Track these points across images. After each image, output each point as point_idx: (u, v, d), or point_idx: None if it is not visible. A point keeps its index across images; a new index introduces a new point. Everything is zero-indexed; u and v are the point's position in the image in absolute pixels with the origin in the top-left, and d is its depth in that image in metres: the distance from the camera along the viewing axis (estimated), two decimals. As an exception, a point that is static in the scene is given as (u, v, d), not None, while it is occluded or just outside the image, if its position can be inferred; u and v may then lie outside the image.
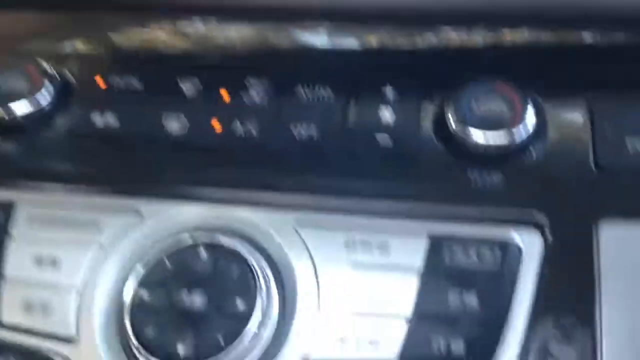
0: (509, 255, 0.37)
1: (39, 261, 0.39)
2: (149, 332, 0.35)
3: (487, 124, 0.39)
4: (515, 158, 0.39)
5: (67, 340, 0.37)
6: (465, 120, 0.39)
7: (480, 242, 0.37)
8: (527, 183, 0.38)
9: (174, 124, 0.42)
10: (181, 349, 0.35)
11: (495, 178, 0.39)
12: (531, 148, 0.39)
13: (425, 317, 0.35)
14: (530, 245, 0.37)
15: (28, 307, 0.38)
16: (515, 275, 0.36)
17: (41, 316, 0.37)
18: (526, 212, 0.38)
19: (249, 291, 0.36)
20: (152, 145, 0.42)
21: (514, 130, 0.38)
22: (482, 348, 0.35)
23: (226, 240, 0.38)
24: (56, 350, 0.37)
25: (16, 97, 0.42)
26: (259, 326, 0.35)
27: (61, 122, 0.43)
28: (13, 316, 0.38)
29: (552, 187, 0.38)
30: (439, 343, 0.35)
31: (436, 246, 0.37)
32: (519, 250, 0.37)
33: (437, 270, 0.36)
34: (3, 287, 0.38)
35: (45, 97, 0.43)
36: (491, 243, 0.37)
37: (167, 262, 0.37)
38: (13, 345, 0.37)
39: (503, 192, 0.38)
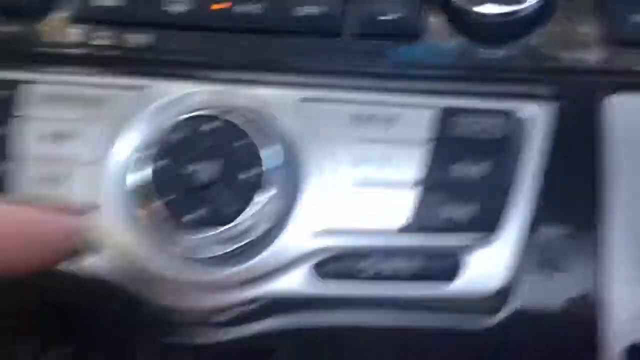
0: (515, 125, 0.37)
1: (55, 138, 0.39)
2: (160, 203, 0.36)
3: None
4: (522, 31, 0.39)
5: (81, 211, 0.37)
6: (471, -3, 0.38)
7: (487, 112, 0.37)
8: (534, 56, 0.38)
9: (175, 5, 0.41)
10: (192, 218, 0.35)
11: (501, 52, 0.38)
12: (538, 21, 0.39)
13: (432, 186, 0.36)
14: (536, 116, 0.37)
15: (48, 181, 0.38)
16: (521, 145, 0.36)
17: (62, 189, 0.38)
18: (533, 85, 0.38)
19: (256, 164, 0.36)
20: (154, 25, 0.41)
21: (521, 2, 0.38)
22: (488, 216, 0.35)
23: (232, 116, 0.38)
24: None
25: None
26: (265, 198, 0.36)
27: (64, 4, 0.42)
28: (35, 190, 0.38)
29: (559, 60, 0.38)
30: (445, 211, 0.35)
31: (443, 117, 0.37)
32: (525, 120, 0.37)
33: (444, 141, 0.37)
34: (22, 165, 0.39)
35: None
36: (497, 113, 0.37)
37: (175, 136, 0.37)
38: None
39: (509, 66, 0.38)
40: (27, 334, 0.37)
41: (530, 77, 0.38)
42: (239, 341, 0.36)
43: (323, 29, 0.40)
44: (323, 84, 0.39)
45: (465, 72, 0.39)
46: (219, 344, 0.36)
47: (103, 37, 0.41)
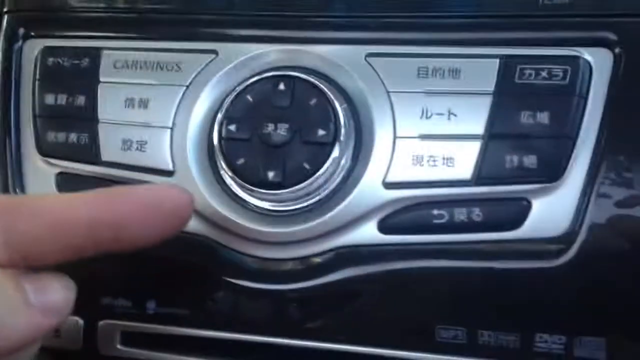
0: (580, 70, 0.37)
1: (130, 104, 0.41)
2: (239, 162, 0.38)
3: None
4: None
5: (164, 173, 0.40)
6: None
7: (552, 59, 0.37)
8: (595, 2, 0.38)
9: None
10: (270, 176, 0.38)
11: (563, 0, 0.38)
12: None
13: (497, 136, 0.37)
14: (601, 62, 0.37)
15: (125, 145, 0.41)
16: (586, 92, 0.37)
17: (138, 153, 0.40)
18: (597, 32, 0.38)
19: (328, 119, 0.38)
20: None
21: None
22: (554, 163, 0.36)
23: (302, 74, 0.39)
24: (154, 182, 0.40)
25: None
26: (340, 153, 0.38)
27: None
28: (111, 154, 0.41)
29: (623, 5, 0.38)
30: (512, 159, 0.37)
31: (507, 66, 0.38)
32: (589, 66, 0.37)
33: (508, 90, 0.37)
34: (99, 129, 0.41)
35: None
36: (562, 59, 0.37)
37: (249, 97, 0.39)
38: (115, 179, 0.41)
39: (573, 13, 0.38)
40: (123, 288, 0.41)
41: (595, 22, 0.38)
42: (318, 288, 0.38)
43: None
44: (387, 38, 0.40)
45: (527, 20, 0.39)
46: (298, 291, 0.39)
47: (173, 3, 0.43)
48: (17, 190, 0.43)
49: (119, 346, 0.41)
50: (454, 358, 0.37)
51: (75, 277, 0.36)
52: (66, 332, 0.41)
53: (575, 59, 0.37)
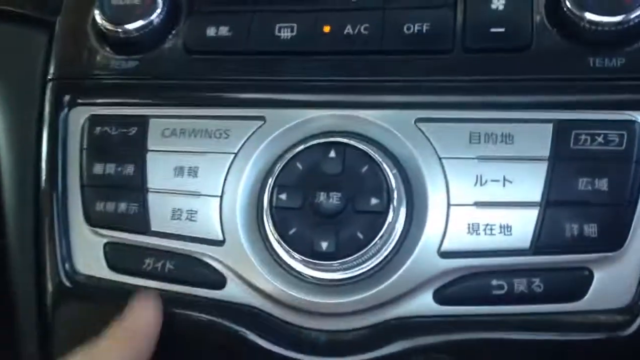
0: (636, 135, 0.37)
1: (179, 172, 0.41)
2: (291, 232, 0.38)
3: (602, 5, 0.37)
4: (634, 38, 0.38)
5: (214, 242, 0.40)
6: (581, 3, 0.38)
7: (606, 123, 0.37)
8: None
9: (286, 30, 0.42)
10: (323, 246, 0.37)
11: (615, 62, 0.38)
12: None
13: (555, 203, 0.36)
14: (657, 125, 0.37)
15: (174, 215, 0.40)
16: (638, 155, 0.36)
17: (188, 223, 0.40)
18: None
19: (380, 187, 0.38)
20: (268, 54, 0.42)
21: (631, 10, 0.37)
22: (615, 231, 0.36)
23: (352, 140, 0.39)
24: (204, 252, 0.40)
25: (132, 17, 0.43)
26: (393, 221, 0.37)
27: (177, 39, 0.44)
28: (161, 224, 0.41)
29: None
30: (571, 228, 0.36)
31: (562, 131, 0.37)
32: (642, 129, 0.37)
33: (565, 156, 0.37)
34: (149, 198, 0.41)
35: (158, 15, 0.43)
36: (617, 123, 0.37)
37: (299, 164, 0.39)
38: (165, 249, 0.40)
39: (625, 76, 0.38)
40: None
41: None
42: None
43: (434, 45, 0.40)
44: (437, 102, 0.40)
45: (579, 82, 0.38)
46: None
47: (219, 70, 0.43)
48: (66, 261, 0.42)
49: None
50: None
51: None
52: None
53: (630, 123, 0.37)
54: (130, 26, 0.43)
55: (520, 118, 0.38)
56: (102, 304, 0.42)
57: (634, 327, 0.35)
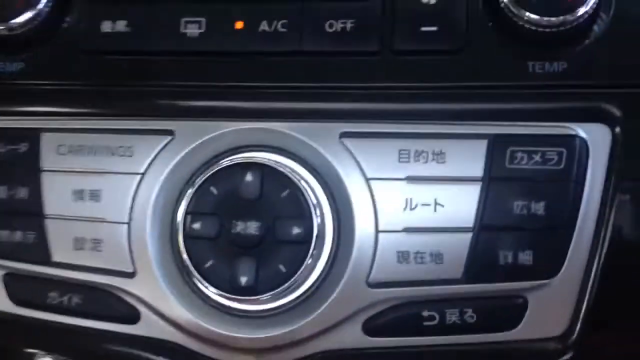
0: (575, 152, 0.34)
1: (80, 196, 0.37)
2: (207, 265, 0.35)
3: (543, 4, 0.34)
4: (576, 42, 0.35)
5: (124, 274, 0.36)
6: (520, 1, 0.34)
7: (544, 140, 0.35)
8: (592, 71, 0.35)
9: (193, 26, 0.37)
10: (243, 281, 0.35)
11: (556, 67, 0.35)
12: (595, 29, 0.35)
13: (489, 228, 0.34)
14: (598, 140, 0.34)
15: (77, 244, 0.37)
16: (583, 174, 0.34)
17: (93, 253, 0.37)
18: (594, 103, 0.35)
19: (302, 213, 0.35)
20: (173, 54, 0.38)
21: (574, 9, 0.34)
22: (550, 258, 0.34)
23: (270, 159, 0.36)
24: (114, 285, 0.37)
25: (16, 11, 0.37)
26: (317, 250, 0.35)
27: (68, 35, 0.38)
28: (63, 255, 0.37)
29: (621, 73, 0.35)
30: (505, 255, 0.34)
31: (497, 149, 0.35)
32: (586, 145, 0.34)
33: (499, 176, 0.35)
34: (48, 226, 0.37)
35: (46, 4, 0.38)
36: (555, 140, 0.34)
37: (212, 187, 0.35)
38: (69, 281, 0.37)
39: (566, 82, 0.35)
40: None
41: (591, 92, 0.35)
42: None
43: (359, 46, 0.36)
44: (363, 110, 0.36)
45: (517, 90, 0.35)
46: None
47: (118, 73, 0.38)
48: (-40, 294, 0.38)
49: None
50: None
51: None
52: None
53: (571, 138, 0.34)
54: (15, 21, 0.38)
55: (452, 133, 0.35)
56: (7, 340, 0.38)
57: (567, 355, 0.34)
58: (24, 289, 0.38)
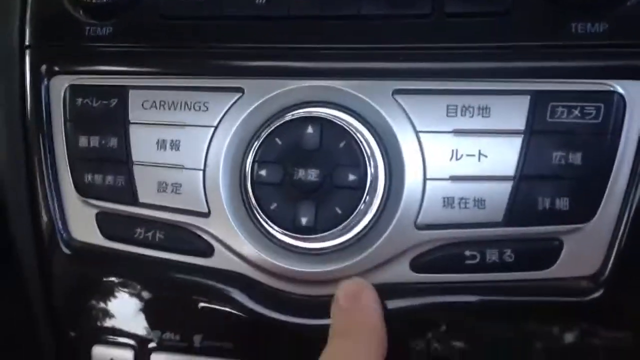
0: (613, 107, 0.37)
1: (162, 145, 0.42)
2: (272, 207, 0.40)
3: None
4: (618, 3, 0.37)
5: (200, 214, 0.41)
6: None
7: (583, 95, 0.37)
8: (632, 31, 0.37)
9: None
10: (303, 221, 0.39)
11: (598, 27, 0.37)
12: None
13: (529, 177, 0.37)
14: (635, 95, 0.37)
15: (160, 188, 0.42)
16: (620, 128, 0.37)
17: (173, 195, 0.42)
18: (631, 62, 0.37)
19: (358, 162, 0.39)
20: (243, 19, 0.42)
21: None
22: (586, 204, 0.37)
23: (329, 113, 0.40)
24: (192, 223, 0.42)
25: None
26: (370, 195, 0.39)
27: (151, 2, 0.43)
28: (148, 196, 0.42)
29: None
30: (543, 201, 0.37)
31: (538, 105, 0.38)
32: (623, 101, 0.37)
33: (540, 129, 0.37)
34: (135, 171, 0.42)
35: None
36: (594, 96, 0.37)
37: (277, 139, 0.40)
38: (153, 220, 0.42)
39: (606, 42, 0.37)
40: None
41: (630, 52, 0.37)
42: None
43: (413, 9, 0.39)
44: (415, 69, 0.40)
45: (560, 50, 0.38)
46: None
47: (195, 36, 0.42)
48: (62, 229, 0.45)
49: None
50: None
51: (131, 315, 0.41)
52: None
53: (609, 94, 0.37)
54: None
55: (497, 89, 0.38)
56: (100, 269, 0.44)
57: (598, 293, 0.37)
58: (113, 225, 0.43)
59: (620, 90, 0.37)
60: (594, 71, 0.37)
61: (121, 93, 0.43)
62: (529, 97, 0.38)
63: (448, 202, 0.38)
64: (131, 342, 0.44)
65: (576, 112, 0.37)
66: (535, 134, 0.37)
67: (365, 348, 0.36)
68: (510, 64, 0.38)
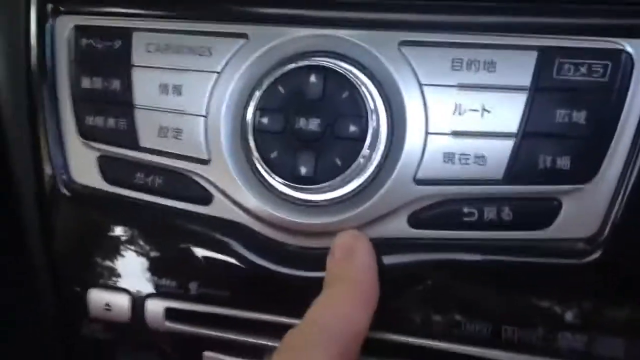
0: (621, 66, 0.36)
1: (164, 90, 0.42)
2: (272, 155, 0.40)
3: None
4: None
5: (200, 161, 0.42)
6: None
7: (590, 53, 0.37)
8: None
9: None
10: (303, 171, 0.39)
11: None
12: None
13: (531, 135, 0.37)
14: (644, 54, 0.36)
15: (161, 132, 0.42)
16: (626, 87, 0.36)
17: (174, 141, 0.42)
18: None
19: (360, 113, 0.39)
20: None
21: None
22: (587, 164, 0.37)
23: (333, 63, 0.39)
24: (191, 170, 0.42)
25: None
26: (371, 148, 0.39)
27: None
28: (149, 141, 0.43)
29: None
30: (544, 160, 0.37)
31: (544, 61, 0.37)
32: (631, 60, 0.36)
33: (546, 86, 0.37)
34: (136, 115, 0.43)
35: None
36: (602, 54, 0.37)
37: (280, 87, 0.40)
38: (154, 165, 0.43)
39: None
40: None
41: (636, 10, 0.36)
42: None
43: None
44: (422, 21, 0.39)
45: (569, 5, 0.37)
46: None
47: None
48: (63, 171, 0.45)
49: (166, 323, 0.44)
50: (478, 349, 0.39)
51: (128, 260, 0.42)
52: (116, 307, 0.44)
53: (617, 53, 0.36)
54: None
55: (504, 44, 0.38)
56: (99, 212, 0.45)
57: (595, 255, 0.37)
58: (115, 169, 0.44)
59: (629, 49, 0.36)
60: (603, 29, 0.37)
61: (125, 35, 0.43)
62: (536, 52, 0.37)
63: (448, 157, 0.38)
64: (127, 286, 0.44)
65: (583, 69, 0.36)
66: (540, 91, 0.37)
67: (355, 300, 0.36)
68: (518, 19, 0.38)
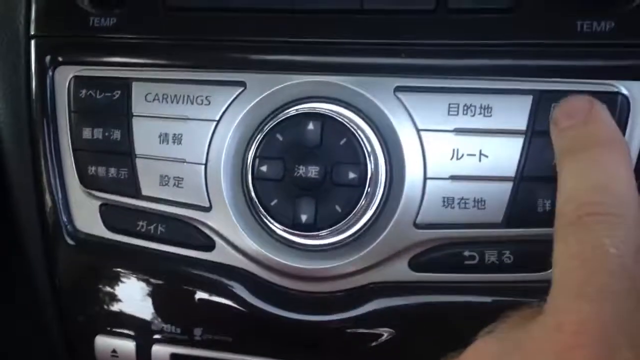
0: (616, 107, 0.37)
1: (165, 139, 0.43)
2: (273, 203, 0.41)
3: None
4: (625, 2, 0.37)
5: (201, 208, 0.43)
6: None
7: None
8: (638, 30, 0.37)
9: None
10: (304, 218, 0.40)
11: (604, 26, 0.37)
12: None
13: (529, 179, 0.38)
14: (639, 96, 0.37)
15: (162, 181, 0.43)
16: (623, 130, 0.37)
17: (175, 189, 0.43)
18: (636, 62, 0.37)
19: (358, 160, 0.40)
20: (245, 12, 0.42)
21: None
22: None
23: (330, 110, 0.40)
24: (193, 217, 0.43)
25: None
26: (370, 194, 0.39)
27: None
28: (151, 189, 0.44)
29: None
30: (543, 203, 0.38)
31: (541, 105, 0.38)
32: (627, 102, 0.37)
33: (542, 130, 0.38)
34: (137, 164, 0.44)
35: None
36: (598, 96, 0.37)
37: (278, 134, 0.41)
38: (156, 213, 0.44)
39: (612, 42, 0.38)
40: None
41: (636, 51, 0.37)
42: (352, 320, 0.41)
43: (417, 4, 0.40)
44: (417, 66, 0.40)
45: (565, 48, 0.38)
46: (333, 322, 0.42)
47: (198, 29, 0.43)
48: (66, 220, 0.46)
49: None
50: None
51: (133, 307, 0.43)
52: (123, 353, 0.45)
53: (612, 95, 0.37)
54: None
55: (500, 88, 0.39)
56: (103, 260, 0.46)
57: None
58: (116, 217, 0.45)
59: (624, 91, 0.37)
60: (598, 71, 0.38)
61: (124, 85, 0.44)
62: (531, 96, 0.38)
63: (448, 201, 0.39)
64: (133, 333, 0.45)
65: (579, 113, 0.37)
66: (537, 135, 0.38)
67: (621, 156, 0.32)
68: (513, 62, 0.39)
